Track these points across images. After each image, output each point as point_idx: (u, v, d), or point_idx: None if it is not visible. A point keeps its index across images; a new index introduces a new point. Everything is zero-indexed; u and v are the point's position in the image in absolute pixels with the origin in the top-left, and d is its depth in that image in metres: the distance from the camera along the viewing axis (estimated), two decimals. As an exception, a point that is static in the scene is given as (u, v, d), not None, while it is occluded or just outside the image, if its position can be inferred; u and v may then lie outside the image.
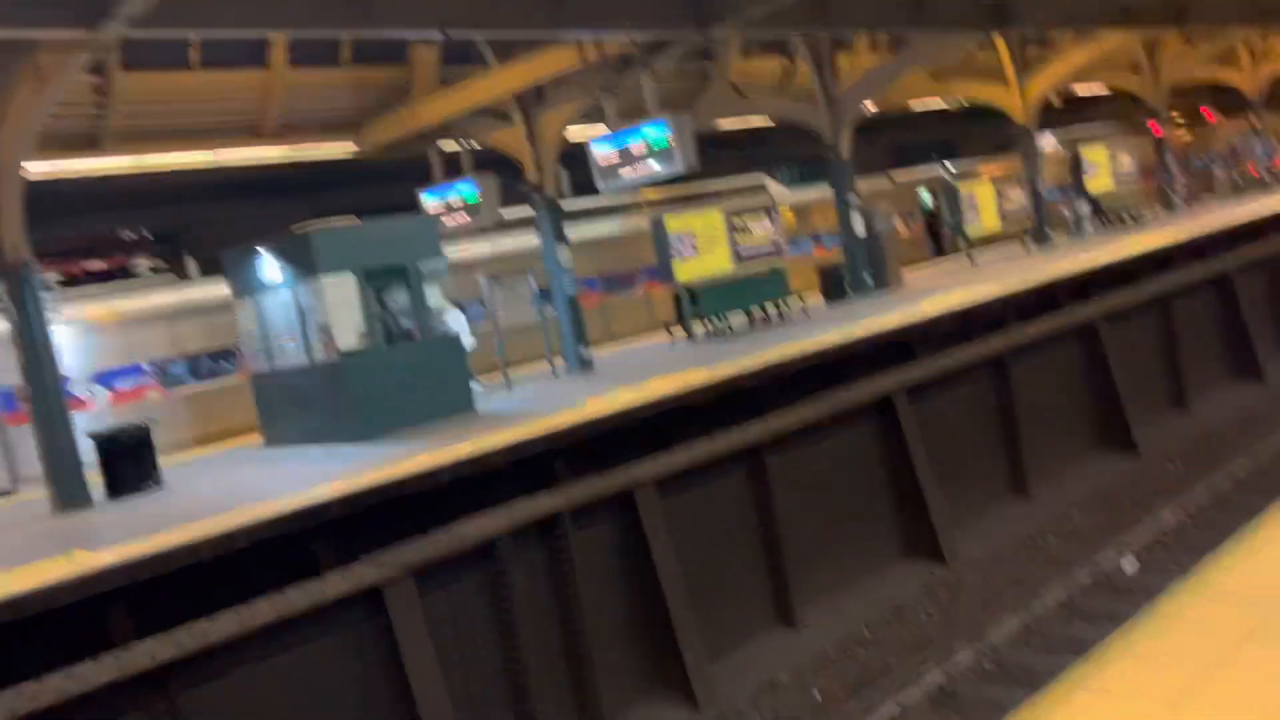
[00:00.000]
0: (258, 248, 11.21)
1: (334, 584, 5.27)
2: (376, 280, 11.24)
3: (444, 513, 8.21)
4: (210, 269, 14.96)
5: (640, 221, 20.74)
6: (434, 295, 11.72)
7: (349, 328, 10.88)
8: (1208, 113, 34.12)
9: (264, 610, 4.96)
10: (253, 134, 13.58)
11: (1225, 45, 27.00)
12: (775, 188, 22.93)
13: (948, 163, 27.76)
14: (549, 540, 6.09)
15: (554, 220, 14.77)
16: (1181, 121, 33.48)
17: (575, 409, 10.21)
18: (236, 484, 8.36)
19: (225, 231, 16.02)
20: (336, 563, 5.75)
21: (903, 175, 25.75)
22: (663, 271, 16.13)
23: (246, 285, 11.44)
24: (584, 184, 16.05)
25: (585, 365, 14.64)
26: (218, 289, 13.76)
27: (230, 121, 13.36)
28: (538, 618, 6.04)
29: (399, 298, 11.41)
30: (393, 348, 11.12)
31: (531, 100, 14.74)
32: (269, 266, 11.11)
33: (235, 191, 18.28)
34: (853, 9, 15.21)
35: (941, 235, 26.10)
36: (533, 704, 5.62)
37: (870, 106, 20.22)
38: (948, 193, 21.26)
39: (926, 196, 26.17)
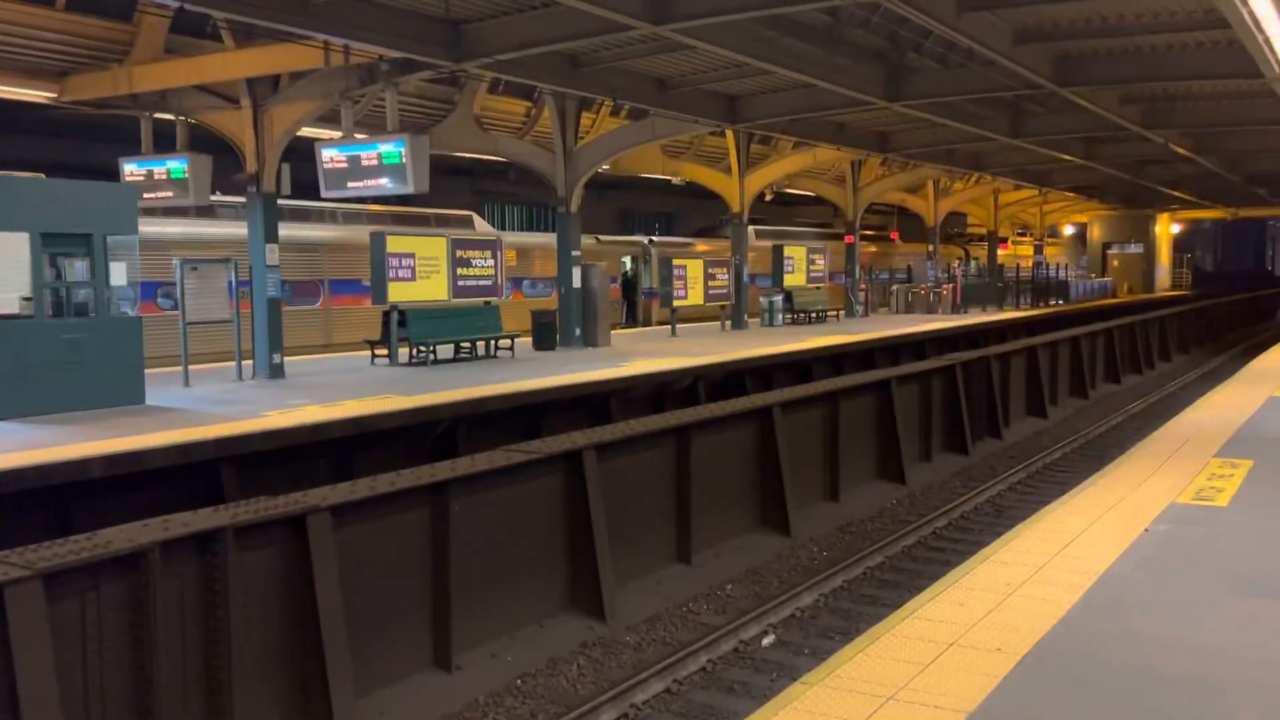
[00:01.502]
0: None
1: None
2: (55, 244, 10.22)
3: (97, 514, 7.54)
4: None
5: (330, 232, 20.15)
6: (121, 272, 10.79)
7: (11, 290, 9.80)
8: (895, 235, 38.30)
9: None
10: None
11: (917, 176, 30.57)
12: (483, 226, 23.15)
13: (656, 236, 29.64)
14: (206, 557, 5.76)
15: (267, 215, 14.08)
16: (871, 234, 37.39)
17: (256, 418, 9.73)
18: None
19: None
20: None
21: (608, 238, 27.15)
22: (376, 289, 15.75)
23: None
24: (305, 185, 15.42)
25: (276, 372, 13.96)
26: None
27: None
28: (181, 638, 5.66)
29: (78, 267, 10.43)
30: (59, 321, 10.17)
31: (265, 89, 14.04)
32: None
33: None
34: (602, 76, 15.78)
35: (636, 303, 27.50)
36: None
37: (605, 167, 21.03)
38: (662, 264, 22.38)
39: (628, 262, 27.76)
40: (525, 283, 24.22)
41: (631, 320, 27.48)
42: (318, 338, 19.31)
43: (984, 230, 42.57)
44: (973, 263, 39.73)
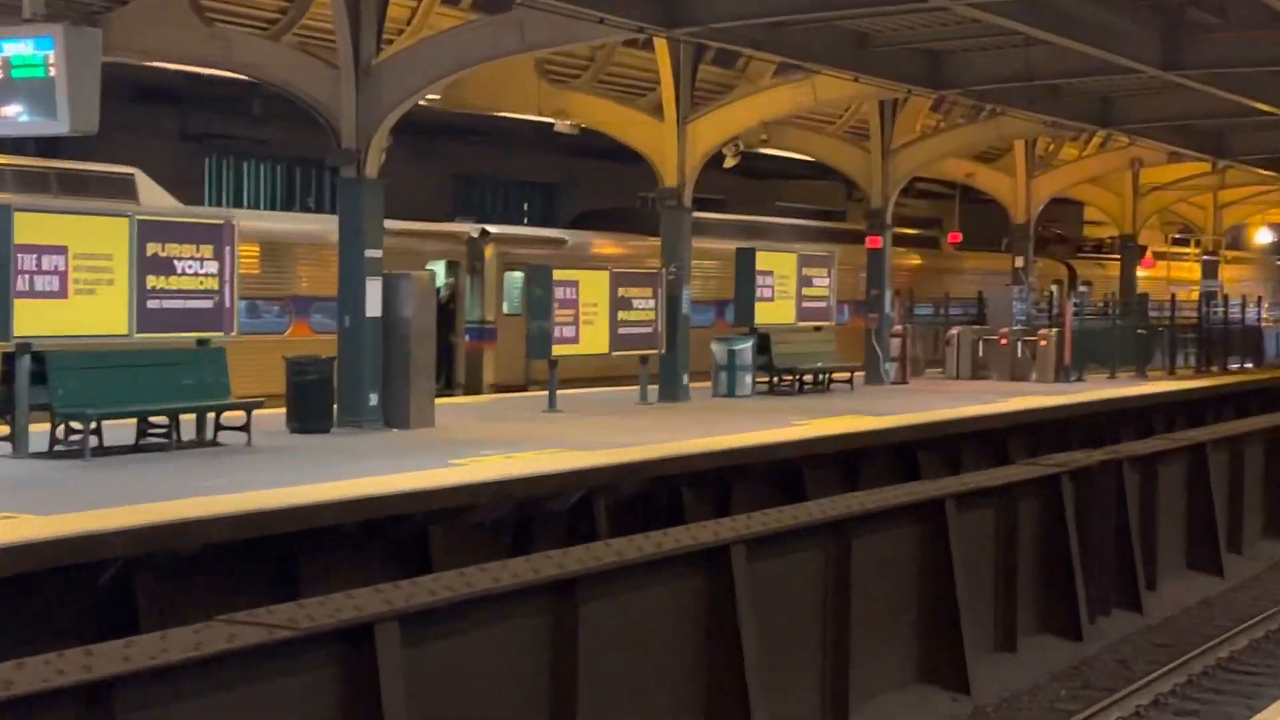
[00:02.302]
0: None
1: None
2: None
3: None
4: None
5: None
6: None
7: None
8: (954, 236, 39.08)
9: None
10: None
11: (993, 133, 31.28)
12: (156, 195, 22.52)
13: (498, 226, 29.61)
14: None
15: None
16: (912, 234, 38.10)
17: None
18: None
19: None
20: None
21: (399, 226, 25.56)
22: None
23: None
24: None
25: None
26: None
27: None
28: None
29: None
30: None
31: None
32: None
33: None
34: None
35: (453, 349, 27.10)
36: None
37: (432, 97, 21.03)
38: (530, 278, 22.35)
39: (439, 272, 27.03)
40: (316, 307, 23.83)
41: (442, 378, 27.12)
42: None
43: (1111, 234, 43.69)
44: (1081, 290, 40.75)
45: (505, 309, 28.02)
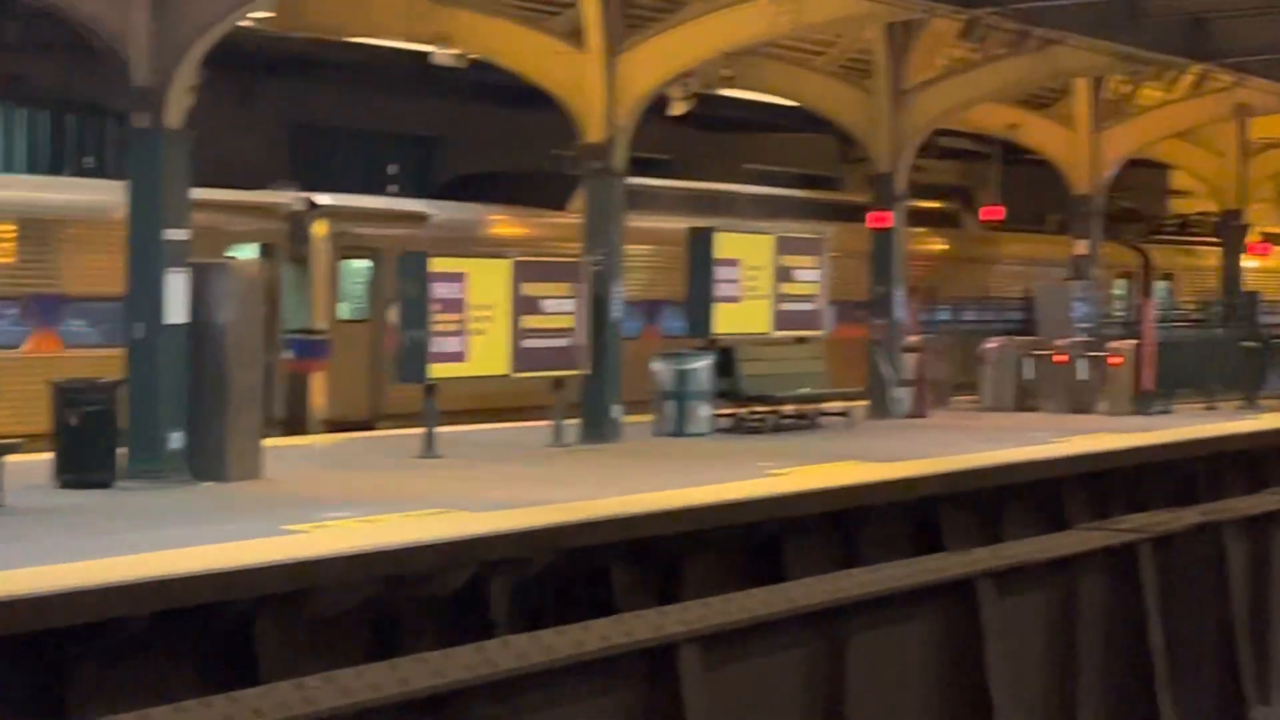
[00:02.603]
0: None
1: None
2: None
3: None
4: None
5: None
6: None
7: None
8: (990, 210, 39.16)
9: None
10: None
11: (1048, 67, 31.25)
12: None
13: (334, 197, 29.19)
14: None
15: None
16: (932, 208, 38.13)
17: None
18: None
19: None
20: None
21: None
22: None
23: None
24: None
25: None
26: None
27: None
28: None
29: None
30: None
31: None
32: None
33: None
34: None
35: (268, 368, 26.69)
36: None
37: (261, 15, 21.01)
38: (402, 267, 22.27)
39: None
40: (73, 310, 23.57)
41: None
42: None
43: (1209, 209, 43.80)
44: (1162, 285, 40.81)
45: (343, 313, 27.96)
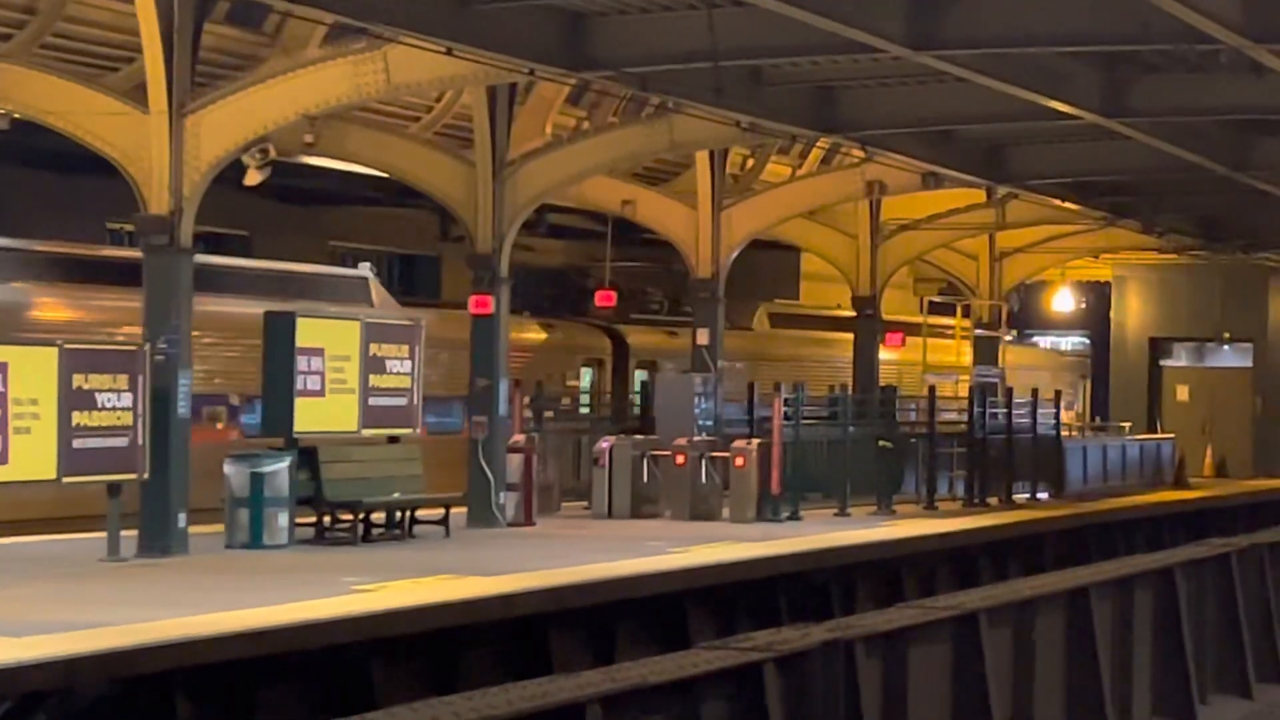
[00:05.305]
0: None
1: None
2: None
3: None
4: None
5: None
6: None
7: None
8: (606, 296, 39.27)
9: None
10: None
11: (666, 138, 31.38)
12: None
13: None
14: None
15: None
16: (545, 294, 38.10)
17: None
18: None
19: None
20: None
21: None
22: None
23: None
24: None
25: None
26: None
27: None
28: None
29: None
30: None
31: None
32: None
33: None
34: None
35: None
36: None
37: None
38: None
39: None
40: None
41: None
42: None
43: (837, 302, 44.46)
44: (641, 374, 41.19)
45: None
